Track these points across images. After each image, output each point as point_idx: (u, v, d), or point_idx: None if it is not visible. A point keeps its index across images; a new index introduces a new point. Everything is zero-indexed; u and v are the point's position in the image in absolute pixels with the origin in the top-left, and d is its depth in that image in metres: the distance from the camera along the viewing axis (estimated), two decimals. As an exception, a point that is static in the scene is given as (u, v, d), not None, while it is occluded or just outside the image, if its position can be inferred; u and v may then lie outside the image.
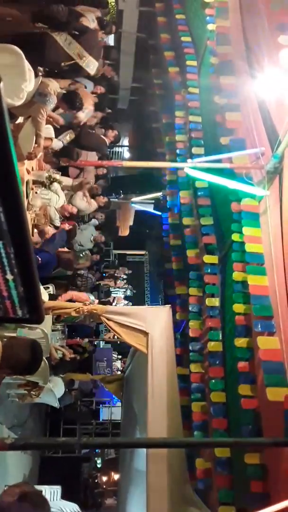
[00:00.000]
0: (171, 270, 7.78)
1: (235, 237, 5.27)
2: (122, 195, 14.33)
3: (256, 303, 4.64)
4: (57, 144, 5.94)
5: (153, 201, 13.92)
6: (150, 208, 14.50)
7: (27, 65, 4.34)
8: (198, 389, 5.89)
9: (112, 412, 12.16)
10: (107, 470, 15.11)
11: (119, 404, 10.66)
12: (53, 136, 5.77)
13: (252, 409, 4.54)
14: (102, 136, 7.52)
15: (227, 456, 4.89)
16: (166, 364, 4.82)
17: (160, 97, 9.53)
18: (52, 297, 6.48)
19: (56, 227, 6.32)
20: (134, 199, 14.46)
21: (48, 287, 6.84)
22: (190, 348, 6.12)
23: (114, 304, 13.47)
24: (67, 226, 6.64)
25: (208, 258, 6.19)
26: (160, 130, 9.68)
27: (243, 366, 4.76)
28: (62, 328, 8.25)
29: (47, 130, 5.42)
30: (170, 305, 5.63)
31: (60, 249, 7.03)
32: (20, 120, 5.10)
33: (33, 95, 4.78)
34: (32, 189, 5.63)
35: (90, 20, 6.34)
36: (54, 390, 7.68)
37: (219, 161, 5.46)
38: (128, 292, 16.03)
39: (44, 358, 5.76)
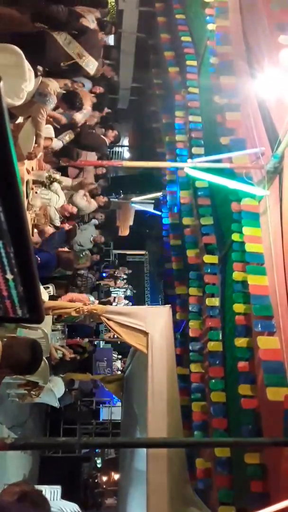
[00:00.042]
0: (171, 270, 7.78)
1: (235, 237, 5.27)
2: (122, 195, 14.34)
3: (256, 303, 4.64)
4: (57, 144, 5.94)
5: (153, 201, 13.93)
6: (150, 208, 14.51)
7: (27, 65, 4.35)
8: (198, 389, 5.89)
9: (112, 412, 12.16)
10: (107, 470, 15.10)
11: (119, 404, 10.67)
12: (53, 136, 5.77)
13: (252, 409, 4.54)
14: (102, 136, 7.52)
15: (227, 456, 4.89)
16: (166, 364, 4.82)
17: (160, 97, 9.53)
18: (52, 297, 6.49)
19: (56, 227, 6.33)
20: (134, 199, 14.47)
21: (48, 287, 6.84)
22: (190, 348, 6.12)
23: (115, 303, 13.48)
24: (67, 226, 6.65)
25: (208, 258, 6.19)
26: (160, 130, 9.68)
27: (243, 366, 4.76)
28: (62, 328, 8.26)
29: (47, 130, 5.42)
30: (170, 305, 5.63)
31: (60, 249, 7.03)
32: (20, 120, 5.10)
33: (33, 95, 4.78)
34: (32, 189, 5.63)
35: (90, 21, 6.34)
36: (54, 390, 7.68)
37: (219, 161, 5.46)
38: (128, 292, 16.03)
39: (44, 358, 5.76)
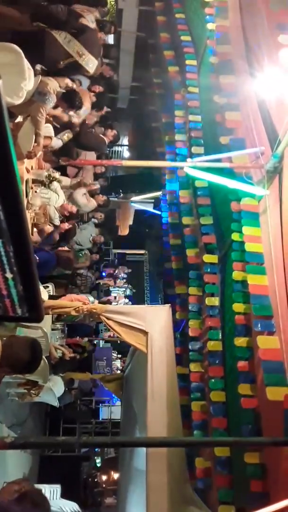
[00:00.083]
0: (171, 270, 7.78)
1: (235, 236, 5.27)
2: (121, 195, 14.33)
3: (256, 303, 4.64)
4: (57, 143, 5.94)
5: (152, 201, 13.92)
6: (149, 208, 14.51)
7: (26, 63, 4.34)
8: (198, 388, 5.89)
9: (111, 411, 12.17)
10: (106, 469, 15.11)
11: (118, 403, 10.67)
12: (53, 135, 5.76)
13: (252, 408, 4.55)
14: (101, 136, 7.52)
15: (226, 455, 4.89)
16: (165, 363, 4.82)
17: (160, 96, 9.53)
18: (51, 297, 6.48)
19: (55, 226, 6.32)
20: (134, 198, 14.46)
21: (48, 286, 6.84)
22: (190, 347, 6.13)
23: (115, 302, 13.49)
24: (66, 226, 6.64)
25: (208, 258, 6.19)
26: (160, 130, 9.68)
27: (242, 366, 4.76)
28: (61, 327, 8.26)
29: (47, 129, 5.42)
30: (169, 304, 5.63)
31: (60, 248, 7.03)
32: (19, 119, 5.09)
33: (32, 94, 4.78)
34: (32, 188, 5.62)
35: (89, 21, 6.34)
36: (53, 389, 7.68)
37: (219, 160, 5.46)
38: (128, 291, 16.04)
39: (43, 357, 5.76)
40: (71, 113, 5.63)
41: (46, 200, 6.09)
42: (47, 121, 5.26)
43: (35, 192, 5.79)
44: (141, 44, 10.94)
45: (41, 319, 1.30)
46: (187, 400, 5.87)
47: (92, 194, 8.08)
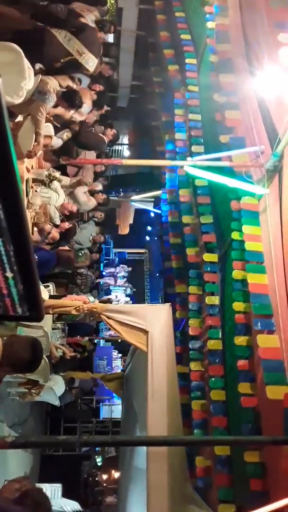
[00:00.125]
0: (171, 269, 7.78)
1: (234, 235, 5.27)
2: (122, 194, 14.34)
3: (256, 302, 4.65)
4: (57, 142, 5.94)
5: (153, 200, 13.93)
6: (150, 207, 14.52)
7: (26, 63, 4.34)
8: (198, 387, 5.90)
9: (112, 410, 12.18)
10: (107, 468, 15.10)
11: (118, 402, 10.68)
12: (53, 134, 5.76)
13: (252, 407, 4.55)
14: (100, 135, 7.51)
15: (227, 454, 4.90)
16: (166, 362, 4.82)
17: (160, 95, 9.53)
18: (52, 296, 6.48)
19: (56, 226, 6.32)
20: (134, 197, 14.47)
21: (48, 286, 6.84)
22: (190, 346, 6.13)
23: (116, 301, 13.49)
24: (67, 225, 6.64)
25: (208, 257, 6.19)
26: (160, 128, 9.68)
27: (243, 364, 4.77)
28: (62, 326, 8.26)
29: (47, 128, 5.41)
30: (170, 303, 5.64)
31: (60, 248, 7.03)
32: (19, 118, 5.09)
33: (32, 93, 4.77)
34: (32, 187, 5.62)
35: (89, 21, 6.33)
36: (54, 388, 7.69)
37: (218, 159, 5.46)
38: (128, 291, 16.05)
39: (44, 356, 5.76)
40: (72, 111, 5.63)
41: (47, 199, 6.09)
42: (47, 120, 5.26)
43: (36, 191, 5.79)
44: (141, 43, 10.94)
45: (42, 318, 1.30)
46: (187, 399, 5.88)
47: (92, 193, 8.08)
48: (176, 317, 6.74)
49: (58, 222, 6.41)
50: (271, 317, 4.51)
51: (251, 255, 4.94)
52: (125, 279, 16.24)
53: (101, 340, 13.59)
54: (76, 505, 7.93)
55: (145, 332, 4.96)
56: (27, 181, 5.34)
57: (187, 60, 7.65)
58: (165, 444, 3.87)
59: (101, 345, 13.69)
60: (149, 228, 17.30)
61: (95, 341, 12.37)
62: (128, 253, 18.49)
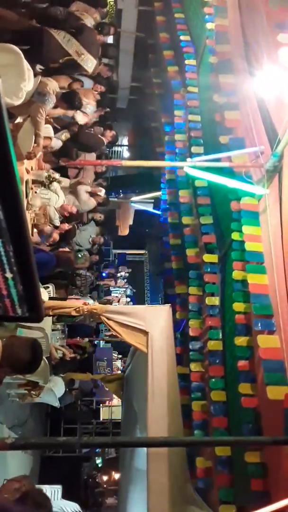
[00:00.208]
0: (171, 269, 7.78)
1: (234, 236, 5.27)
2: (121, 195, 14.34)
3: (256, 302, 4.64)
4: (56, 143, 5.94)
5: (152, 201, 13.93)
6: (149, 208, 14.52)
7: (26, 64, 4.35)
8: (198, 388, 5.89)
9: (112, 411, 12.17)
10: (107, 470, 15.10)
11: (116, 402, 10.69)
12: (52, 135, 5.77)
13: (252, 407, 4.55)
14: (99, 136, 7.51)
15: (227, 454, 4.90)
16: (166, 363, 4.82)
17: (160, 96, 9.53)
18: (51, 298, 6.47)
19: (55, 227, 6.32)
20: (134, 198, 14.48)
21: (48, 287, 6.84)
22: (190, 347, 6.13)
23: (116, 303, 13.48)
24: (66, 226, 6.64)
25: (208, 257, 6.19)
26: (159, 129, 9.68)
27: (243, 365, 4.76)
28: (62, 327, 8.26)
29: (46, 130, 5.42)
30: (170, 304, 5.64)
31: (60, 249, 7.03)
32: (19, 119, 5.09)
33: (32, 94, 4.78)
34: (32, 188, 5.62)
35: (88, 24, 6.35)
36: (54, 389, 7.68)
37: (218, 160, 5.46)
38: (128, 292, 16.05)
39: (44, 358, 5.76)
40: (79, 112, 5.67)
41: (46, 200, 6.09)
42: (47, 121, 5.26)
43: (35, 192, 5.79)
44: (140, 44, 10.95)
45: (41, 319, 1.30)
46: (187, 400, 5.87)
47: (92, 194, 8.08)
48: (176, 318, 6.74)
49: (57, 223, 6.41)
50: (272, 318, 4.50)
51: (251, 256, 4.94)
52: (125, 280, 16.24)
53: (101, 341, 13.58)
54: (76, 507, 7.91)
55: (145, 333, 4.96)
56: (26, 182, 5.34)
57: (186, 61, 7.66)
58: (166, 445, 3.87)
59: (101, 346, 13.68)
60: (149, 229, 17.30)
61: (95, 342, 12.36)
62: (128, 254, 18.49)
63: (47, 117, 5.12)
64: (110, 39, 10.24)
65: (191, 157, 6.45)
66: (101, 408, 12.82)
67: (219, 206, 6.36)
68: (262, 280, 4.75)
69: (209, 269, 6.15)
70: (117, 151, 15.45)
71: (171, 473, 4.42)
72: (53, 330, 7.38)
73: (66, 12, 5.79)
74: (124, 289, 15.97)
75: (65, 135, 6.07)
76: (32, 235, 5.73)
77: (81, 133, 6.54)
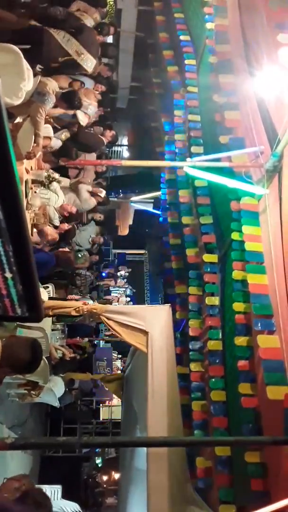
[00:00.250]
0: (171, 269, 7.78)
1: (234, 235, 5.26)
2: (121, 195, 14.35)
3: (256, 302, 4.64)
4: (56, 143, 5.94)
5: (152, 200, 13.94)
6: (149, 207, 14.53)
7: (25, 64, 4.35)
8: (198, 388, 5.89)
9: (112, 411, 12.17)
10: (107, 469, 15.09)
11: (116, 402, 10.68)
12: (52, 135, 5.77)
13: (252, 407, 4.55)
14: (99, 136, 7.51)
15: (227, 454, 4.90)
16: (166, 363, 4.82)
17: (159, 96, 9.53)
18: (51, 298, 6.48)
19: (55, 227, 6.32)
20: (134, 198, 14.49)
21: (48, 287, 6.84)
22: (190, 347, 6.13)
23: (116, 302, 13.48)
24: (66, 226, 6.64)
25: (207, 257, 6.19)
26: (159, 129, 9.68)
27: (243, 365, 4.76)
28: (62, 327, 8.26)
29: (46, 129, 5.42)
30: (170, 304, 5.64)
31: (60, 249, 7.03)
32: (19, 119, 5.09)
33: (31, 94, 4.78)
34: (31, 188, 5.62)
35: (88, 24, 6.35)
36: (54, 389, 7.68)
37: (218, 160, 5.46)
38: (128, 291, 16.05)
39: (44, 357, 5.76)
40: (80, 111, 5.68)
41: (46, 200, 6.08)
42: (47, 121, 5.26)
43: (35, 192, 5.79)
44: (140, 44, 10.95)
45: (41, 319, 1.30)
46: (187, 400, 5.87)
47: (93, 194, 8.09)
48: (176, 317, 6.74)
49: (57, 223, 6.41)
50: (271, 318, 4.50)
51: (251, 256, 4.94)
52: (124, 280, 16.24)
53: (101, 341, 13.59)
54: (76, 507, 7.91)
55: (145, 333, 4.95)
56: (26, 182, 5.34)
57: (186, 61, 7.66)
58: (165, 445, 3.86)
59: (101, 346, 13.69)
60: (148, 229, 17.31)
61: (95, 342, 12.36)
62: (128, 254, 18.49)
63: (46, 117, 5.12)
64: (110, 39, 10.25)
65: (191, 157, 6.45)
66: (101, 408, 12.81)
67: (219, 206, 6.36)
68: (262, 280, 4.75)
69: (209, 269, 6.15)
70: (117, 151, 15.45)
71: (171, 473, 4.42)
72: (53, 330, 7.38)
73: (66, 12, 5.80)
74: (124, 289, 15.97)
75: (65, 134, 6.07)
76: (32, 235, 5.72)
77: (81, 132, 6.54)
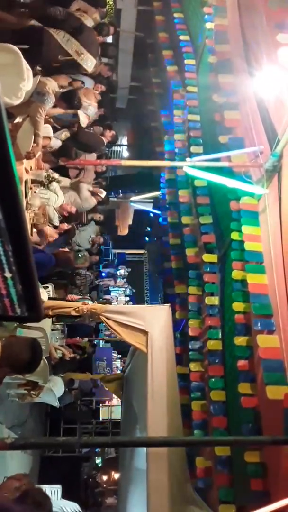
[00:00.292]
0: (171, 269, 7.78)
1: (234, 235, 5.27)
2: (121, 194, 14.35)
3: (256, 302, 4.64)
4: (56, 143, 5.94)
5: (152, 200, 13.94)
6: (149, 207, 14.53)
7: (25, 64, 4.35)
8: (198, 388, 5.90)
9: (112, 411, 12.17)
10: (107, 469, 15.09)
11: (115, 402, 10.67)
12: (52, 135, 5.76)
13: (252, 407, 4.55)
14: (99, 136, 7.51)
15: (227, 454, 4.90)
16: (166, 363, 4.82)
17: (159, 96, 9.53)
18: (51, 299, 6.47)
19: (55, 227, 6.32)
20: (133, 198, 14.49)
21: (47, 287, 6.84)
22: (190, 346, 6.13)
23: (116, 302, 13.49)
24: (66, 226, 6.64)
25: (207, 257, 6.19)
26: (159, 129, 9.68)
27: (242, 365, 4.77)
28: (61, 327, 8.26)
29: (46, 129, 5.42)
30: (169, 304, 5.63)
31: (60, 249, 7.03)
32: (18, 119, 5.09)
33: (31, 94, 4.78)
34: (31, 188, 5.62)
35: (88, 24, 6.34)
36: (54, 389, 7.68)
37: (218, 159, 5.46)
38: (128, 291, 16.05)
39: (44, 357, 5.76)
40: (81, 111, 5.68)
41: (45, 200, 6.08)
42: (46, 121, 5.26)
43: (34, 192, 5.78)
44: (139, 44, 10.95)
45: (41, 319, 1.30)
46: (187, 400, 5.88)
47: (92, 193, 8.09)
48: (175, 317, 6.74)
49: (57, 223, 6.41)
50: (271, 317, 4.50)
51: (251, 255, 4.94)
52: (124, 280, 16.24)
53: (101, 341, 13.59)
54: (76, 506, 7.91)
55: (145, 332, 4.95)
56: (26, 182, 5.34)
57: (186, 61, 7.66)
58: (165, 444, 3.87)
59: (101, 346, 13.69)
60: (148, 228, 17.32)
61: (95, 342, 12.36)
62: (128, 253, 18.50)
63: (46, 116, 5.12)
64: (109, 39, 10.25)
65: (190, 156, 6.45)
66: (100, 408, 12.80)
67: (218, 206, 6.36)
68: (262, 279, 4.75)
69: (208, 269, 6.15)
70: (117, 150, 15.45)
71: (170, 473, 4.41)
72: (52, 330, 7.38)
73: (66, 12, 5.80)
74: (124, 289, 15.98)
75: (65, 134, 6.07)
76: (31, 234, 5.72)
77: (81, 132, 6.54)
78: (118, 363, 14.05)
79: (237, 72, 5.72)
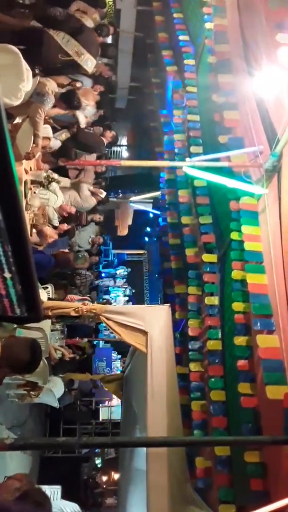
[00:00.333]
0: (170, 269, 7.78)
1: (234, 235, 5.27)
2: (120, 195, 14.35)
3: (255, 302, 4.64)
4: (55, 143, 5.94)
5: (151, 200, 13.94)
6: (149, 207, 14.53)
7: (24, 64, 4.35)
8: (198, 388, 5.90)
9: (111, 411, 12.17)
10: (107, 470, 15.09)
11: (115, 402, 10.67)
12: (51, 135, 5.76)
13: (252, 407, 4.55)
14: (99, 136, 7.51)
15: (227, 454, 4.90)
16: (165, 363, 4.82)
17: (158, 96, 9.54)
18: (50, 299, 6.47)
19: (54, 227, 6.32)
20: (133, 198, 14.48)
21: (47, 287, 6.84)
22: (190, 347, 6.13)
23: (115, 303, 13.49)
24: (65, 227, 6.65)
25: (207, 257, 6.19)
26: (158, 129, 9.68)
27: (242, 365, 4.76)
28: (61, 328, 8.25)
29: (45, 130, 5.42)
30: (169, 304, 5.63)
31: (60, 250, 7.04)
32: (18, 120, 5.09)
33: (31, 95, 4.78)
34: (31, 189, 5.62)
35: (88, 24, 6.34)
36: (53, 390, 7.68)
37: (217, 159, 5.46)
38: (127, 291, 16.05)
39: (43, 358, 5.76)
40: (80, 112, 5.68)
41: (45, 201, 6.09)
42: (46, 122, 5.26)
43: (34, 193, 5.79)
44: (139, 44, 10.96)
45: (40, 319, 1.30)
46: (187, 400, 5.87)
47: (92, 193, 8.10)
48: (175, 317, 6.74)
49: (56, 223, 6.41)
50: (271, 317, 4.50)
51: (251, 255, 4.94)
52: (124, 280, 16.24)
53: (101, 341, 13.59)
54: (76, 507, 7.91)
55: (145, 333, 4.95)
56: (25, 182, 5.34)
57: (185, 61, 7.66)
58: (165, 445, 3.86)
59: (101, 346, 13.69)
60: (148, 229, 17.33)
61: (94, 343, 12.36)
62: (127, 254, 18.51)
63: (46, 117, 5.12)
64: (109, 39, 10.25)
65: (190, 156, 6.45)
66: (100, 408, 12.80)
67: (218, 206, 6.36)
68: (261, 279, 4.75)
69: (208, 269, 6.15)
70: (116, 151, 15.46)
71: (170, 473, 4.41)
72: (52, 330, 7.37)
73: (66, 13, 5.80)
74: (123, 289, 15.98)
75: (65, 134, 6.07)
76: (31, 235, 5.73)
77: (80, 133, 6.54)
78: (118, 363, 14.05)
79: (236, 72, 5.72)
